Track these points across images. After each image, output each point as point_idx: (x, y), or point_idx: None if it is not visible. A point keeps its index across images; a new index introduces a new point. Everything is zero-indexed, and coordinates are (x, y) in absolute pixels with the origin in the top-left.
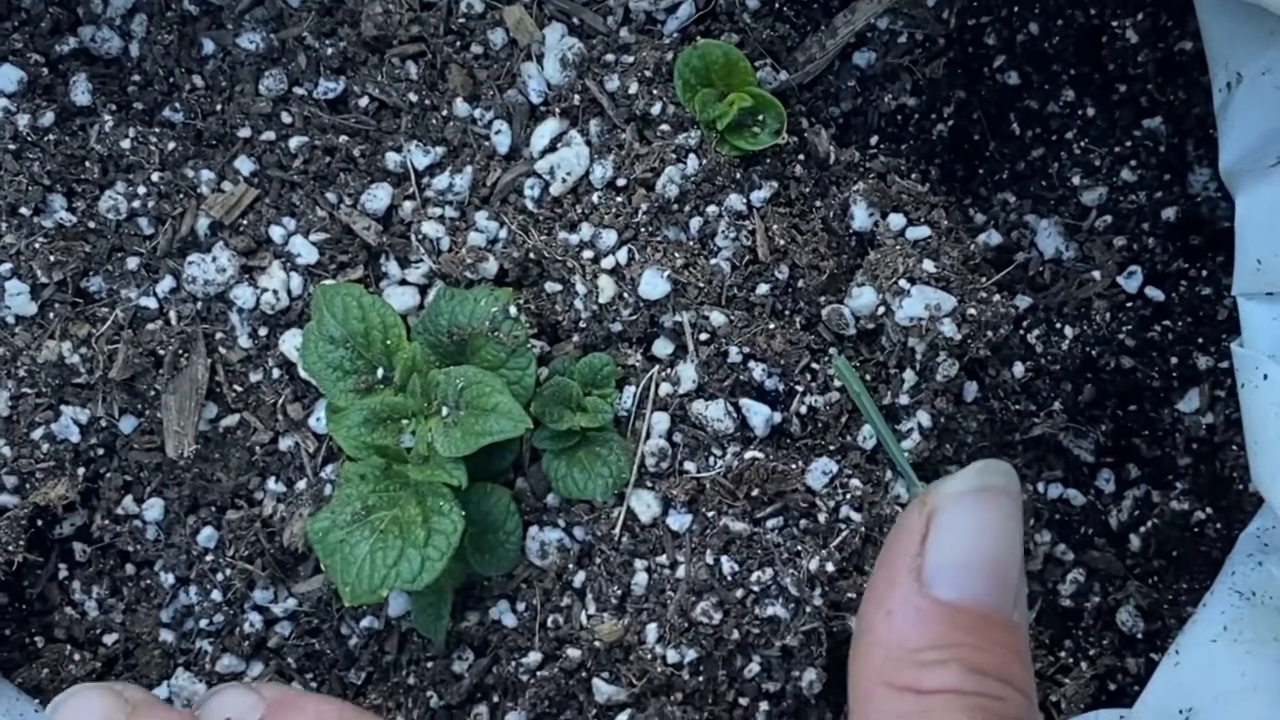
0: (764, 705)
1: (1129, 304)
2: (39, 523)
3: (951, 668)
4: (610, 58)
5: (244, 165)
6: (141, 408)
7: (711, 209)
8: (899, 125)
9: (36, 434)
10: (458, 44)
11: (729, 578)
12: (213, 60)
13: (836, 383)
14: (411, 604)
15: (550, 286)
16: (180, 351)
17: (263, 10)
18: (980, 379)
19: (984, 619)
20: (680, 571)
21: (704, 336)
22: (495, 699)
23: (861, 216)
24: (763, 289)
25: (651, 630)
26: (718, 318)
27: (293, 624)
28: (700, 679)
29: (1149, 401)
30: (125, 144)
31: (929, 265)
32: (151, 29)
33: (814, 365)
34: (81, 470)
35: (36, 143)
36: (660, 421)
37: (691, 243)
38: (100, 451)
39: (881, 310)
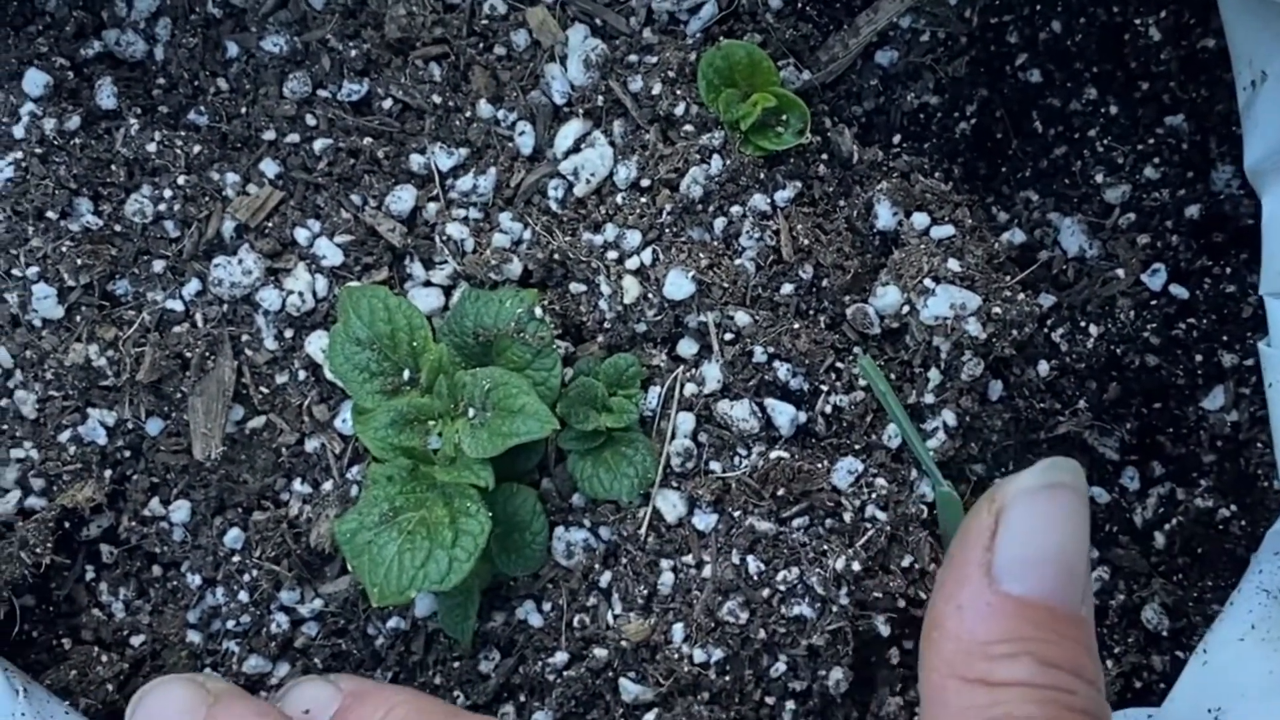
0: (790, 704)
1: (1153, 302)
2: (66, 525)
3: (1023, 661)
4: (633, 58)
5: (269, 168)
6: (168, 410)
7: (736, 209)
8: (922, 124)
9: (64, 436)
10: (481, 45)
11: (755, 577)
12: (237, 63)
13: (861, 382)
14: (438, 604)
15: (575, 287)
16: (207, 354)
17: (286, 13)
18: (1005, 378)
19: (1052, 613)
20: (706, 571)
21: (729, 336)
22: (522, 699)
23: (885, 216)
24: (787, 289)
25: (678, 630)
26: (742, 318)
27: (319, 624)
28: (726, 678)
29: (1173, 399)
30: (151, 147)
31: (954, 264)
32: (176, 32)
33: (839, 364)
34: (108, 472)
35: (63, 146)
36: (685, 421)
37: (716, 243)
38: (127, 454)
39: (906, 309)
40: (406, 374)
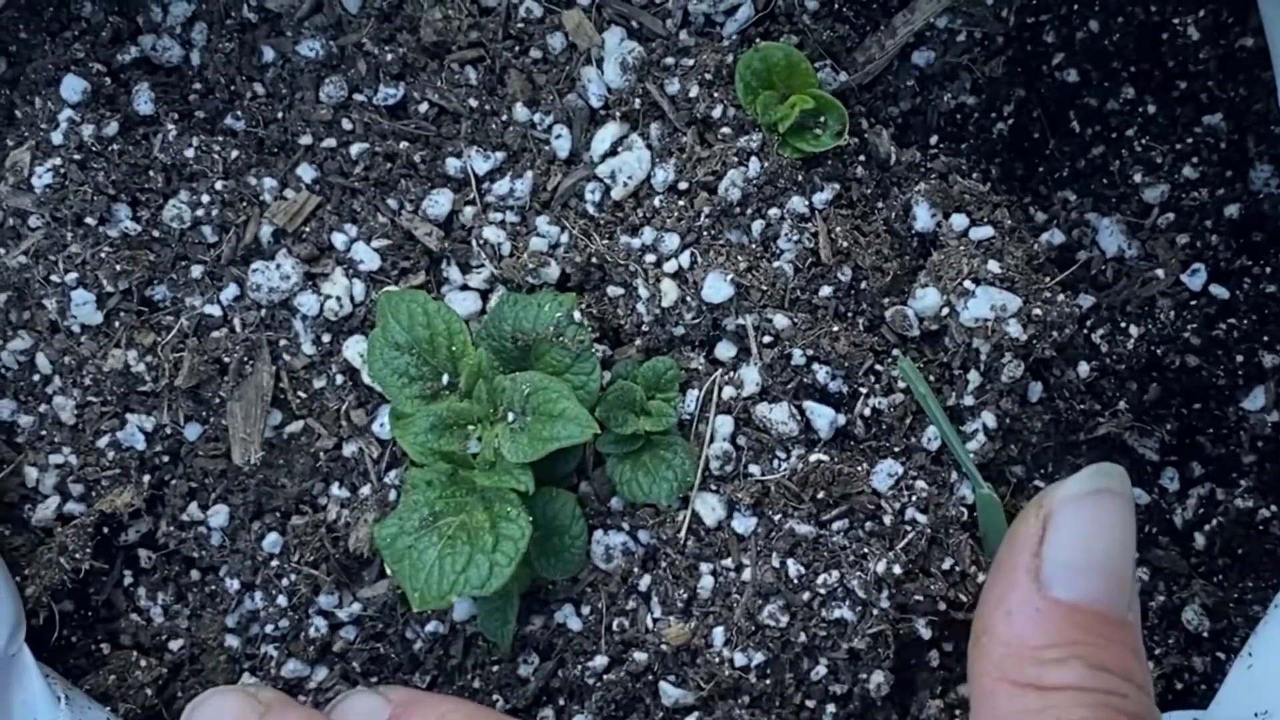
0: (831, 708)
1: (1193, 302)
2: (105, 530)
3: (1073, 665)
4: (670, 61)
5: (306, 172)
6: (206, 415)
7: (774, 211)
8: (959, 124)
9: (102, 442)
10: (516, 49)
11: (795, 580)
12: (273, 68)
13: (901, 384)
14: (477, 608)
15: (612, 290)
16: (245, 359)
17: (322, 17)
18: (1045, 379)
19: (1101, 618)
20: (746, 574)
21: (767, 339)
22: (561, 702)
23: (924, 217)
24: (826, 291)
25: (718, 633)
26: (781, 320)
27: (357, 628)
28: (767, 681)
29: (1214, 400)
30: (189, 153)
31: (993, 266)
32: (212, 37)
33: (877, 367)
34: (147, 477)
35: (101, 152)
36: (724, 425)
37: (754, 245)
38: (165, 459)
39: (945, 311)
40: (445, 378)
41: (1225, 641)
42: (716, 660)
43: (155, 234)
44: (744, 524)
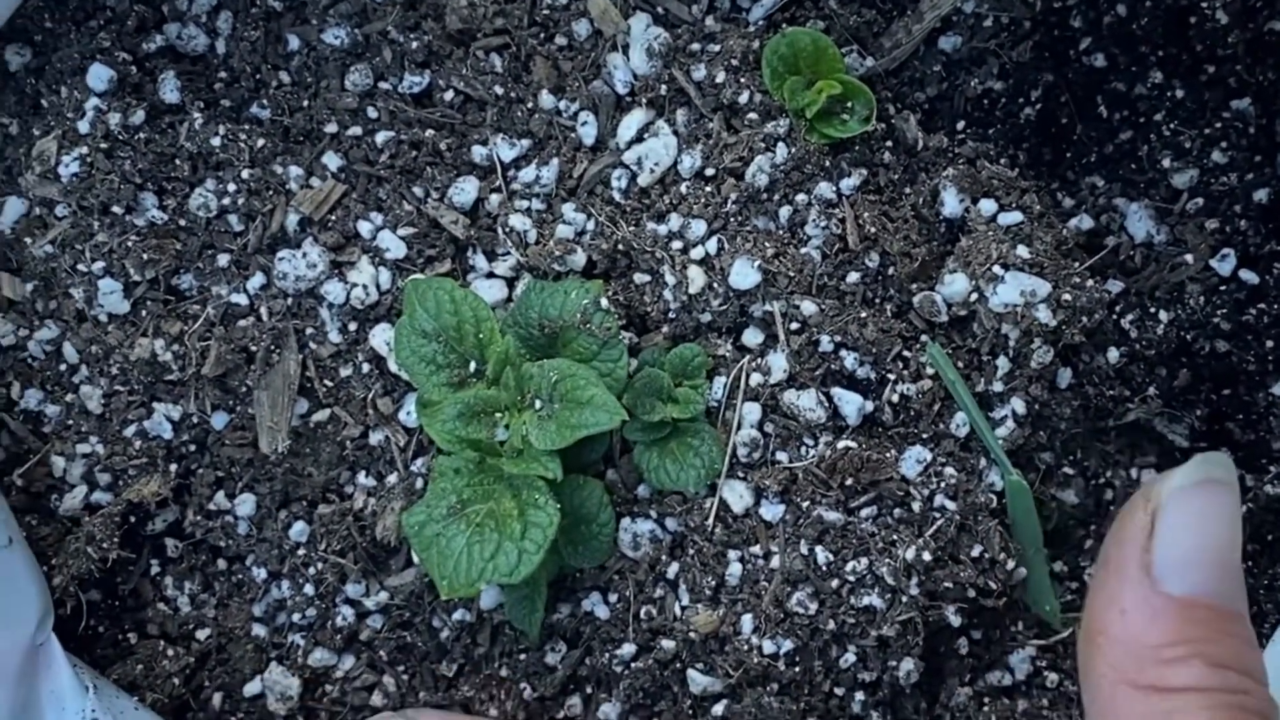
0: (860, 695)
1: (1222, 287)
2: (132, 519)
3: (1194, 664)
4: (696, 47)
5: (331, 161)
6: (233, 404)
7: (801, 197)
8: (986, 109)
9: (129, 431)
10: (542, 35)
11: (824, 568)
12: (298, 56)
13: (929, 370)
14: (505, 596)
15: (639, 277)
16: (271, 347)
17: (346, 5)
18: (1074, 365)
19: (1216, 612)
20: (774, 562)
21: (795, 326)
22: (589, 690)
23: (952, 202)
24: (853, 277)
25: (747, 621)
26: (808, 306)
27: (384, 617)
28: (796, 669)
29: (1244, 385)
30: (215, 141)
31: (1022, 251)
32: (237, 25)
33: (906, 353)
34: (174, 466)
35: (127, 141)
36: (751, 411)
37: (781, 232)
38: (192, 448)
39: (974, 297)
40: (472, 366)
41: (1256, 628)
42: (745, 648)
43: (182, 223)
44: (772, 511)
